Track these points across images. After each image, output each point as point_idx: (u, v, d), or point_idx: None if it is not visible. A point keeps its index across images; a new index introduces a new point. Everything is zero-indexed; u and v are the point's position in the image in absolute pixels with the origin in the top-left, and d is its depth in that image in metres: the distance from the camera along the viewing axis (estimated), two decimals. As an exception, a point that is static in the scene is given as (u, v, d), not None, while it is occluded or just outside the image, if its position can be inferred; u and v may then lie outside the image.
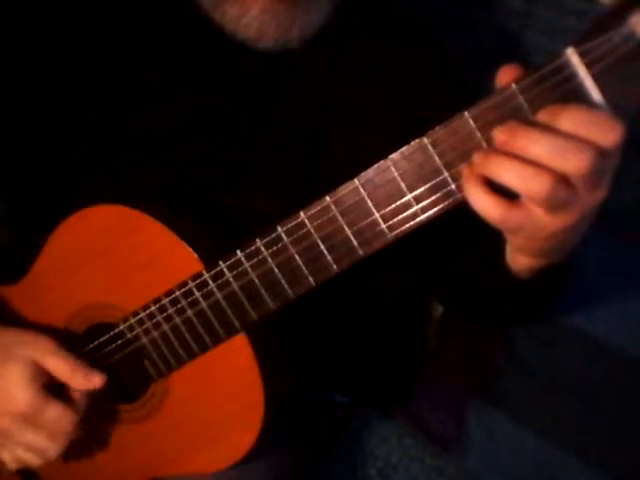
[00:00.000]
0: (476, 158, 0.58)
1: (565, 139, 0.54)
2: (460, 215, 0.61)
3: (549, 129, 0.55)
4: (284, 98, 0.86)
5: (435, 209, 0.61)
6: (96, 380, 0.76)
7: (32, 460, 0.78)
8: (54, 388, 0.77)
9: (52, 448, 0.77)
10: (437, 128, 0.59)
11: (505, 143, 0.56)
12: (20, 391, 0.74)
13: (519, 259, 0.69)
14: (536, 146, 0.55)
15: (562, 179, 0.55)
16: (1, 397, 0.75)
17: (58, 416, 0.75)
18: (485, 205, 0.58)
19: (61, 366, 0.76)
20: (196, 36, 0.85)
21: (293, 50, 0.83)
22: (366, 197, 0.63)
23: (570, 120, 0.54)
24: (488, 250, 0.74)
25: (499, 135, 0.56)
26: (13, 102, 0.87)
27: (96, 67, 0.85)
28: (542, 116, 0.56)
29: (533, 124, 0.56)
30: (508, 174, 0.56)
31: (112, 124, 0.85)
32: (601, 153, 0.55)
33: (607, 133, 0.54)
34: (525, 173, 0.55)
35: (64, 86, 0.85)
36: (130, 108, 0.85)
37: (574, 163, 0.54)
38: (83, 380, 0.76)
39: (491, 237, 0.68)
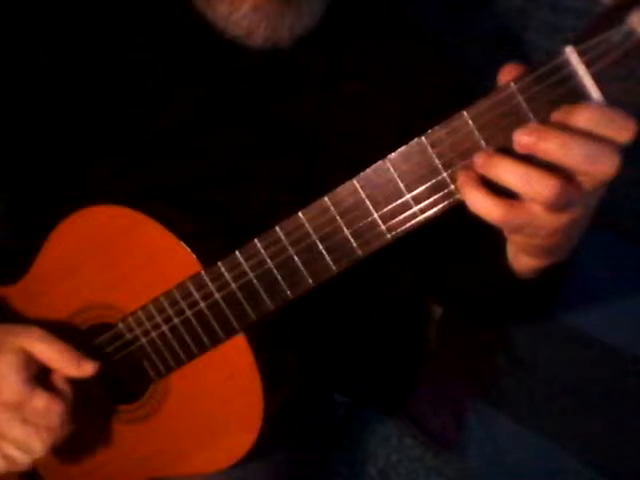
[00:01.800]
0: (477, 159, 0.57)
1: (574, 138, 0.53)
2: (459, 215, 0.60)
3: (558, 128, 0.54)
4: (277, 96, 0.86)
5: (434, 209, 0.61)
6: (87, 367, 0.74)
7: (19, 457, 0.75)
8: (45, 381, 0.75)
9: (38, 443, 0.73)
10: (436, 128, 0.58)
11: (526, 147, 0.54)
12: (8, 380, 0.73)
13: (522, 259, 0.68)
14: (547, 144, 0.54)
15: (568, 179, 0.54)
16: None
17: (45, 406, 0.73)
18: (484, 206, 0.57)
19: (49, 351, 0.74)
20: (188, 33, 0.85)
21: (285, 49, 0.83)
22: (365, 197, 0.63)
23: (586, 117, 0.53)
24: (489, 250, 0.73)
25: (523, 137, 0.54)
26: (15, 100, 0.87)
27: (91, 65, 0.85)
28: (556, 115, 0.54)
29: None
30: (511, 176, 0.55)
31: (108, 123, 0.85)
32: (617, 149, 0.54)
33: (622, 130, 0.53)
34: (531, 176, 0.54)
35: (62, 85, 0.85)
36: (125, 107, 0.85)
37: (581, 160, 0.53)
38: (73, 366, 0.74)
39: (491, 237, 0.68)
